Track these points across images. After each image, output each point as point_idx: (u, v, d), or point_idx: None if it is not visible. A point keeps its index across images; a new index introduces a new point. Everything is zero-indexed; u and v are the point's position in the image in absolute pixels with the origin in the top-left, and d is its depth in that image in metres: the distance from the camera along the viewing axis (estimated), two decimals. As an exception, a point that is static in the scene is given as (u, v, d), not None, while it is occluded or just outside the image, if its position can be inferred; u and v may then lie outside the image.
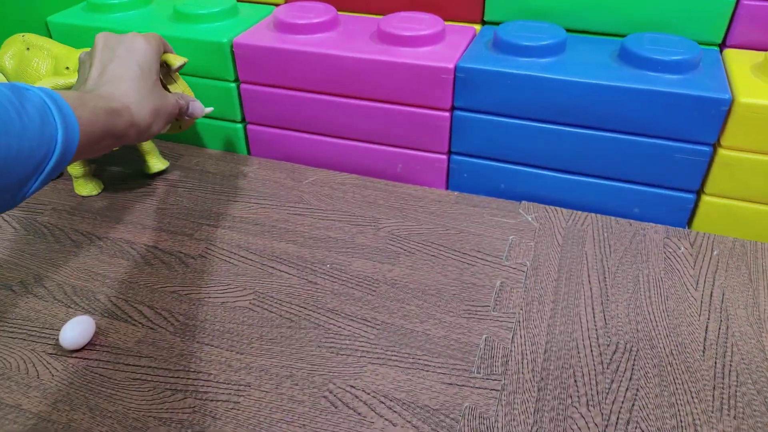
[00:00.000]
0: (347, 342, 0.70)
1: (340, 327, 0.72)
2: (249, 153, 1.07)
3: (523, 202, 0.93)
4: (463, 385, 0.65)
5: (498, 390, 0.64)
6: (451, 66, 0.86)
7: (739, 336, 0.70)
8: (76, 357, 0.68)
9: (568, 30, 0.93)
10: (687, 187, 0.85)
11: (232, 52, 0.96)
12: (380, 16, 0.99)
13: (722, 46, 0.90)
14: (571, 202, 0.91)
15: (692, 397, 0.63)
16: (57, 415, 0.62)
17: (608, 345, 0.69)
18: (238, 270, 0.81)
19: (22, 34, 0.92)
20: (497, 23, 0.97)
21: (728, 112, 0.77)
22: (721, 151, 0.80)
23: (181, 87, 0.83)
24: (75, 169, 0.94)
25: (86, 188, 0.96)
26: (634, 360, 0.67)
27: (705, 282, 0.78)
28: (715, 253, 0.83)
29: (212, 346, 0.70)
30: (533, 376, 0.66)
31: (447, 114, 0.90)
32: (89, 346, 0.70)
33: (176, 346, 0.70)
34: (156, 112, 0.69)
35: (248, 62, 0.96)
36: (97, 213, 0.92)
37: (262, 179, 1.00)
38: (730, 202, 0.84)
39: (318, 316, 0.74)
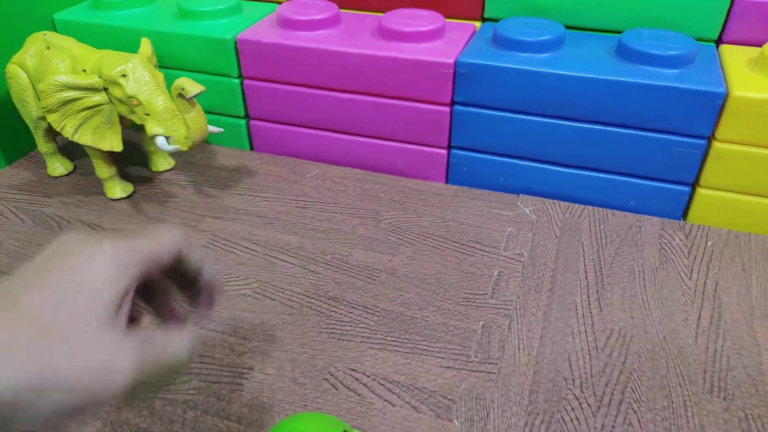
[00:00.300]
0: (348, 328, 0.72)
1: (341, 314, 0.74)
2: (252, 149, 1.09)
3: (522, 195, 0.95)
4: (460, 369, 0.66)
5: (495, 373, 0.66)
6: (451, 61, 0.87)
7: (731, 323, 0.72)
8: (83, 341, 0.70)
9: (566, 26, 0.95)
10: (682, 179, 0.86)
11: (236, 49, 0.98)
12: (381, 13, 1.01)
13: (718, 41, 0.92)
14: (568, 195, 0.93)
15: (684, 380, 0.65)
16: (65, 396, 0.64)
17: (603, 331, 0.71)
18: (241, 260, 0.82)
19: (43, 33, 0.93)
20: (497, 20, 0.99)
21: (723, 106, 0.79)
22: (715, 144, 0.82)
23: (197, 115, 0.84)
24: (102, 171, 0.93)
25: (116, 191, 0.95)
26: (628, 345, 0.69)
27: (699, 272, 0.79)
28: (709, 244, 0.84)
29: (216, 331, 0.71)
30: (529, 360, 0.67)
31: (447, 109, 0.92)
32: (96, 331, 0.71)
33: (181, 332, 0.71)
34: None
35: (251, 58, 0.98)
36: (103, 206, 0.94)
37: (265, 173, 1.02)
38: (724, 194, 0.85)
39: (319, 303, 0.75)
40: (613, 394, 0.63)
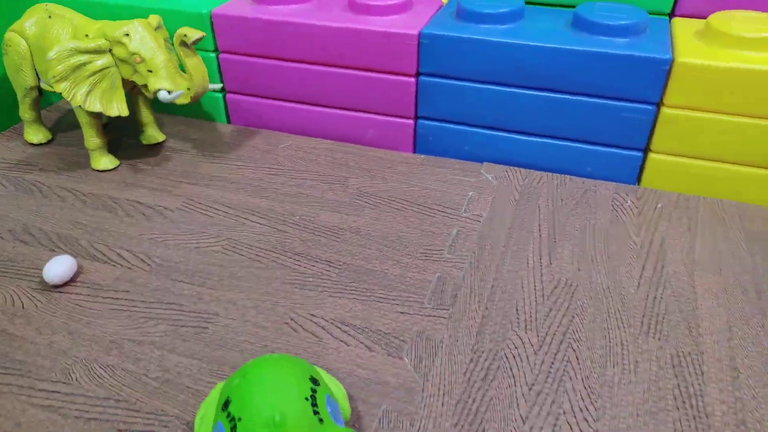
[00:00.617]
0: (311, 279, 0.76)
1: (305, 267, 0.78)
2: (229, 121, 1.13)
3: (485, 163, 0.99)
4: (414, 314, 0.70)
5: (446, 318, 0.70)
6: (415, 33, 0.91)
7: (672, 274, 0.76)
8: (58, 291, 0.74)
9: (526, 1, 0.99)
10: (634, 145, 0.90)
11: (212, 23, 1.02)
12: (352, -10, 1.05)
13: (672, 14, 0.96)
14: (529, 162, 0.97)
15: (622, 323, 0.69)
16: (40, 337, 0.68)
17: (551, 281, 0.75)
18: (213, 221, 0.86)
19: (45, 3, 0.96)
20: (462, -3, 1.03)
21: (669, 72, 0.83)
22: (664, 110, 0.86)
23: (198, 63, 0.88)
24: (91, 141, 0.96)
25: (102, 162, 0.98)
26: (573, 293, 0.73)
27: (647, 230, 0.83)
28: (659, 206, 0.88)
29: (185, 282, 0.75)
30: (479, 307, 0.71)
31: (413, 80, 0.96)
32: (71, 282, 0.75)
33: (151, 283, 0.75)
34: None
35: (227, 33, 1.02)
36: (83, 173, 0.98)
37: (240, 144, 1.06)
38: (675, 159, 0.89)
39: (285, 258, 0.79)
40: (554, 335, 0.68)
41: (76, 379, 0.63)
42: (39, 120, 1.04)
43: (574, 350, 0.66)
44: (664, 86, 0.84)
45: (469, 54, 0.91)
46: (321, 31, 0.96)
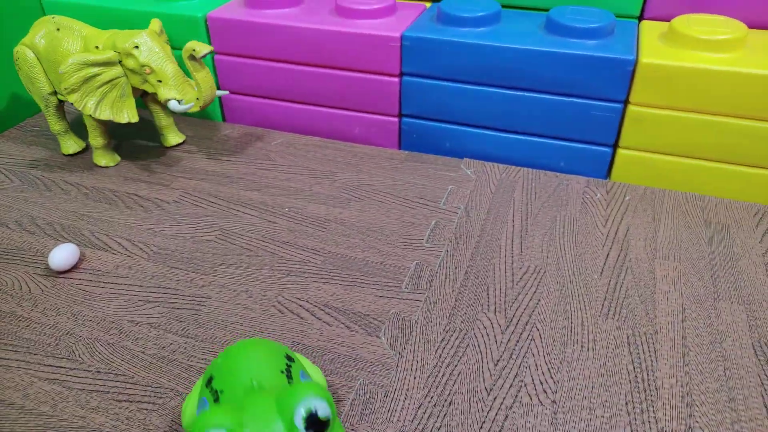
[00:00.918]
0: (297, 266, 0.81)
1: (292, 255, 0.83)
2: (224, 120, 1.19)
3: (466, 158, 1.04)
4: (392, 298, 0.76)
5: (421, 301, 0.75)
6: (398, 35, 0.97)
7: (634, 261, 0.81)
8: (63, 277, 0.80)
9: (502, 5, 1.04)
10: (604, 141, 0.96)
11: (207, 26, 1.07)
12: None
13: (641, 18, 1.01)
14: (507, 158, 1.02)
15: (584, 306, 0.74)
16: (45, 318, 0.73)
17: (520, 268, 0.80)
18: (207, 212, 0.92)
19: (51, 15, 0.99)
20: (445, 1, 1.09)
21: (634, 72, 0.88)
22: (630, 107, 0.91)
23: (206, 75, 0.93)
24: (96, 140, 1.01)
25: (104, 159, 1.03)
26: (540, 279, 0.78)
27: (613, 221, 0.89)
28: (627, 198, 0.94)
29: (180, 269, 0.81)
30: (452, 291, 0.77)
31: (396, 80, 1.02)
32: (74, 268, 0.81)
33: (149, 270, 0.81)
34: None
35: (221, 35, 1.07)
36: (85, 168, 1.03)
37: (234, 141, 1.11)
38: (642, 154, 0.95)
39: (274, 247, 0.85)
40: (521, 317, 0.73)
41: (79, 356, 0.69)
42: (69, 130, 1.06)
43: (538, 330, 0.71)
44: (630, 85, 0.90)
45: (449, 55, 0.96)
46: (310, 34, 1.01)
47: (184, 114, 1.19)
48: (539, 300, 0.75)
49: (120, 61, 0.92)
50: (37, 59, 0.96)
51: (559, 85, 0.93)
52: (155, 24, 0.96)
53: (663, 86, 0.87)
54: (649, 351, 0.69)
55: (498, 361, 0.68)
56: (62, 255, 0.79)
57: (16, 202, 0.94)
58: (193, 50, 0.90)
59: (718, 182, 0.93)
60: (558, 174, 1.00)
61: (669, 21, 0.98)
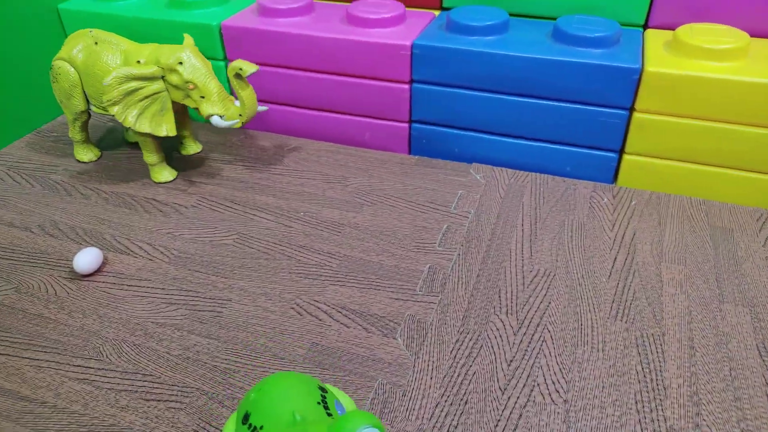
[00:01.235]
0: (314, 269, 0.84)
1: (308, 258, 0.86)
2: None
3: (474, 163, 1.07)
4: (407, 300, 0.78)
5: (435, 303, 0.78)
6: (408, 44, 0.99)
7: (641, 265, 0.84)
8: (87, 280, 0.82)
9: (510, 14, 1.07)
10: (610, 147, 0.98)
11: (221, 34, 1.10)
12: (349, 2, 1.13)
13: (645, 26, 1.04)
14: (514, 163, 1.05)
15: (593, 308, 0.77)
16: (72, 320, 0.76)
17: (531, 271, 0.83)
18: (224, 217, 0.94)
19: (89, 29, 1.00)
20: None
21: (639, 80, 0.91)
22: (636, 115, 0.94)
23: (251, 93, 0.95)
24: (150, 157, 1.01)
25: (162, 175, 1.03)
26: (551, 282, 0.81)
27: (620, 225, 0.91)
28: (633, 203, 0.96)
29: (201, 272, 0.83)
30: (465, 293, 0.79)
31: (407, 86, 1.04)
32: (98, 272, 0.83)
33: (170, 273, 0.83)
34: None
35: (235, 43, 1.10)
36: (103, 173, 1.06)
37: (248, 147, 1.14)
38: (647, 160, 0.97)
39: (291, 250, 0.87)
40: (532, 318, 0.76)
41: (107, 356, 0.71)
42: (88, 140, 1.08)
43: (549, 331, 0.74)
44: (636, 93, 0.92)
45: (458, 63, 0.99)
46: (322, 42, 1.04)
47: (192, 113, 1.22)
48: (549, 302, 0.78)
49: (162, 77, 0.93)
50: (77, 75, 0.98)
51: (566, 92, 0.95)
52: (189, 39, 0.96)
53: (668, 94, 0.90)
54: (657, 352, 0.72)
55: (511, 361, 0.70)
56: (87, 259, 0.81)
57: (38, 207, 0.97)
58: (240, 69, 0.92)
59: (721, 187, 0.95)
60: (565, 179, 1.02)
61: (673, 29, 1.01)
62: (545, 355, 0.71)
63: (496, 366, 0.70)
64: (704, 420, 0.64)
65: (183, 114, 1.07)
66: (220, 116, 0.94)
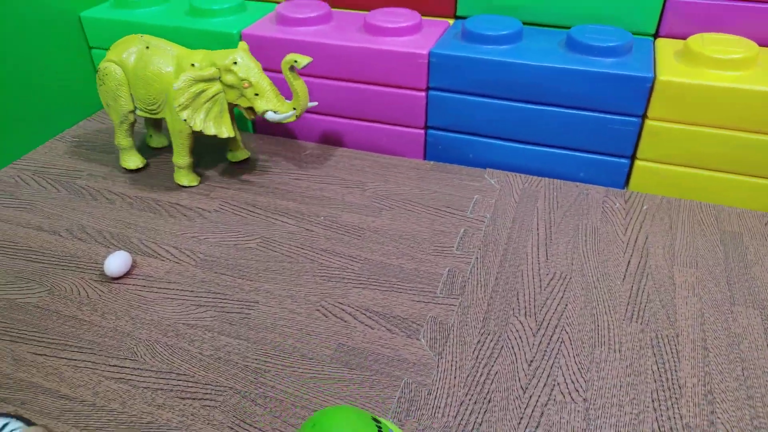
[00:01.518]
0: (337, 272, 0.86)
1: (331, 261, 0.88)
2: (255, 131, 1.24)
3: (488, 169, 1.09)
4: (428, 302, 0.81)
5: (456, 305, 0.80)
6: (425, 52, 1.02)
7: (654, 268, 0.86)
8: (117, 283, 0.85)
9: (524, 23, 1.10)
10: (622, 153, 1.01)
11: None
12: (367, 11, 1.15)
13: (656, 35, 1.07)
14: (528, 168, 1.08)
15: (609, 310, 0.79)
16: (105, 322, 0.78)
17: (547, 274, 0.85)
18: (247, 221, 0.97)
19: (140, 34, 1.02)
20: (468, 17, 1.14)
21: (651, 89, 0.93)
22: (648, 122, 0.96)
23: (303, 85, 0.98)
24: (182, 159, 1.03)
25: (187, 179, 1.05)
26: (567, 284, 0.84)
27: (633, 229, 0.94)
28: (645, 207, 0.99)
29: (227, 275, 0.86)
30: (485, 295, 0.82)
31: (423, 94, 1.07)
32: (127, 275, 0.86)
33: (198, 276, 0.86)
34: None
35: (255, 51, 1.12)
36: (127, 178, 1.08)
37: (267, 152, 1.16)
38: (658, 165, 1.00)
39: (313, 254, 0.90)
40: (550, 320, 0.78)
41: (141, 357, 0.74)
42: (134, 146, 1.09)
43: (567, 333, 0.76)
44: (648, 101, 0.95)
45: (473, 71, 1.01)
46: (340, 51, 1.06)
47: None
48: (566, 304, 0.80)
49: (219, 78, 0.96)
50: (125, 76, 0.99)
51: (579, 100, 0.98)
52: (244, 44, 0.98)
53: (679, 102, 0.93)
54: (672, 352, 0.74)
55: (531, 361, 0.73)
56: (117, 262, 0.84)
57: (65, 211, 0.99)
58: (295, 61, 0.95)
59: (731, 192, 0.98)
60: (578, 184, 1.05)
61: (683, 38, 1.03)
62: (564, 356, 0.74)
63: (517, 366, 0.72)
64: (719, 418, 0.67)
65: (232, 120, 1.08)
66: (275, 111, 0.96)
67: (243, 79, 0.94)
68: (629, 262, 0.88)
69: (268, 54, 1.11)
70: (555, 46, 1.02)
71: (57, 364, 0.73)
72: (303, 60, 0.95)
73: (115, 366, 0.72)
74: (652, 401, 0.68)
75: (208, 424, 0.66)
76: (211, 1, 1.18)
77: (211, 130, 0.97)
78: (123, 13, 1.19)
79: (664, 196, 1.01)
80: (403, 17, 1.08)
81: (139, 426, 0.66)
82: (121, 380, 0.71)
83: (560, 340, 0.76)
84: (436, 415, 0.67)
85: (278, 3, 1.23)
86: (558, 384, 0.70)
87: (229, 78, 0.95)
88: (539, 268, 0.87)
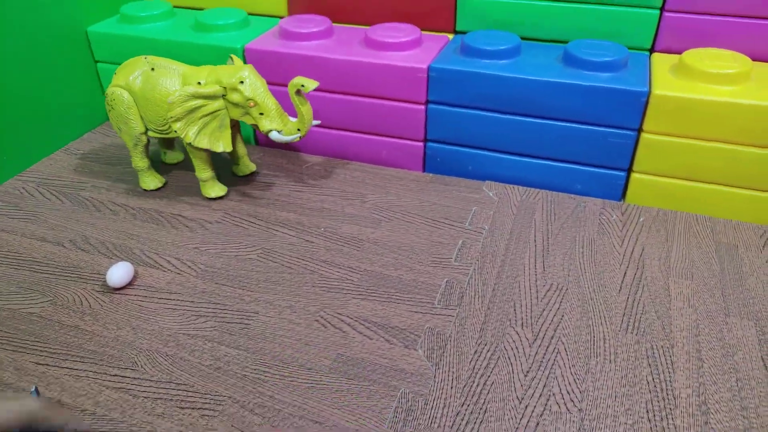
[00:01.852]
0: (336, 283, 0.87)
1: (330, 272, 0.89)
2: (257, 143, 1.25)
3: (487, 181, 1.11)
4: (426, 313, 0.82)
5: (453, 316, 0.81)
6: (425, 66, 1.04)
7: (650, 279, 0.87)
8: (119, 293, 0.86)
9: (522, 38, 1.11)
10: (619, 166, 1.02)
11: (244, 57, 1.14)
12: (368, 27, 1.17)
13: (652, 50, 1.08)
14: (526, 180, 1.09)
15: (605, 321, 0.80)
16: (107, 332, 0.79)
17: (544, 285, 0.86)
18: (248, 232, 0.98)
19: (144, 56, 1.03)
20: (467, 32, 1.15)
21: (647, 103, 0.95)
22: (643, 135, 0.98)
23: (309, 108, 1.00)
24: (203, 173, 1.04)
25: (213, 191, 1.06)
26: (563, 296, 0.84)
27: (629, 241, 0.95)
28: (641, 219, 1.00)
29: (227, 285, 0.87)
30: (482, 306, 0.83)
31: (422, 107, 1.08)
32: (129, 285, 0.87)
33: (199, 286, 0.87)
34: None
35: (258, 65, 1.14)
36: (129, 190, 1.10)
37: (268, 164, 1.18)
38: (654, 178, 1.01)
39: (313, 265, 0.91)
40: (547, 331, 0.79)
41: (142, 366, 0.75)
42: (151, 167, 1.09)
43: (563, 343, 0.77)
44: (643, 115, 0.96)
45: (472, 85, 1.03)
46: (341, 65, 1.08)
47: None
48: (563, 315, 0.81)
49: (223, 95, 0.97)
50: (132, 99, 1.00)
51: (576, 113, 1.00)
52: (238, 61, 1.00)
53: (674, 116, 0.94)
54: (666, 363, 0.75)
55: (527, 372, 0.74)
56: (119, 273, 0.85)
57: (69, 223, 1.01)
58: (302, 86, 0.96)
59: (726, 205, 0.99)
60: (575, 196, 1.06)
61: (678, 53, 1.05)
62: (560, 366, 0.74)
63: (513, 376, 0.73)
64: (713, 428, 0.67)
65: (236, 134, 1.10)
66: (279, 131, 0.98)
67: (249, 99, 0.96)
68: (625, 273, 0.89)
69: (271, 68, 1.13)
70: (552, 60, 1.04)
71: (58, 373, 0.74)
72: (310, 84, 0.96)
73: (116, 375, 0.73)
74: (647, 411, 0.69)
75: (208, 432, 0.67)
76: (216, 16, 1.20)
77: (203, 144, 0.98)
78: (129, 28, 1.21)
79: (660, 209, 1.02)
80: (403, 32, 1.10)
81: (139, 434, 0.67)
82: (122, 390, 0.72)
83: (556, 350, 0.76)
84: (433, 425, 0.68)
85: (281, 18, 1.25)
86: (554, 394, 0.71)
87: (234, 96, 0.96)
88: (536, 279, 0.88)
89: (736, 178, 0.97)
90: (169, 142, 1.16)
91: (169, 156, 1.18)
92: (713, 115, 0.92)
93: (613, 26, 1.06)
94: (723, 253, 0.92)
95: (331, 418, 0.68)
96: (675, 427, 0.67)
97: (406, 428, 0.67)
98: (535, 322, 0.80)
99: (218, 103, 0.97)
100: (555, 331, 0.79)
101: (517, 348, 0.77)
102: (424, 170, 1.16)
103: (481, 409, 0.69)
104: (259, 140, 1.25)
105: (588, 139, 1.01)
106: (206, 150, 1.02)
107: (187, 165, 1.17)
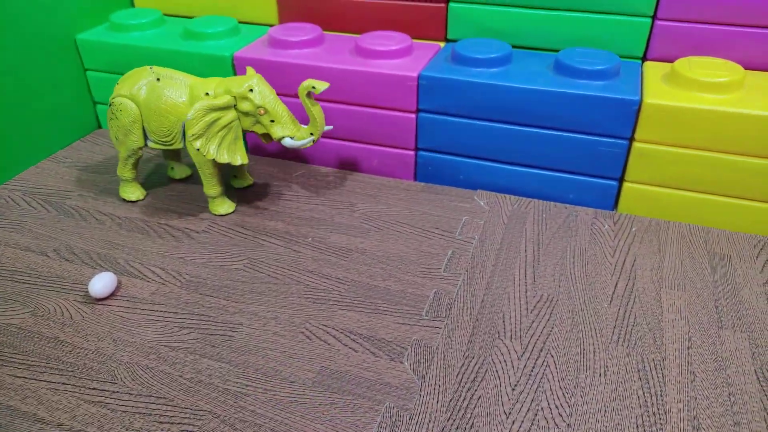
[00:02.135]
0: (322, 294, 0.86)
1: (317, 283, 0.88)
2: (247, 152, 1.24)
3: (479, 190, 1.10)
4: (413, 325, 0.80)
5: (441, 328, 0.80)
6: (415, 75, 1.03)
7: (641, 290, 0.86)
8: (101, 304, 0.84)
9: (513, 46, 1.11)
10: (611, 175, 1.01)
11: (234, 65, 1.13)
12: (358, 35, 1.17)
13: (644, 58, 1.07)
14: (518, 189, 1.08)
15: (596, 333, 0.79)
16: (87, 343, 0.78)
17: (534, 296, 0.85)
18: (234, 242, 0.97)
19: (149, 66, 1.01)
20: (458, 41, 1.15)
21: (638, 111, 0.94)
22: (635, 144, 0.97)
23: (320, 110, 0.98)
24: (212, 189, 1.02)
25: (222, 207, 1.04)
26: (554, 307, 0.83)
27: (621, 252, 0.94)
28: (633, 229, 0.99)
29: (212, 296, 0.85)
30: (470, 318, 0.81)
31: (413, 116, 1.07)
32: (112, 296, 0.86)
33: (183, 297, 0.86)
34: None
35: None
36: (117, 199, 1.09)
37: (257, 173, 1.17)
38: (647, 187, 1.00)
39: (300, 275, 0.89)
40: (536, 343, 0.77)
41: (121, 379, 0.73)
42: (136, 179, 1.08)
43: (552, 356, 0.76)
44: (635, 124, 0.95)
45: (463, 94, 1.02)
46: (332, 73, 1.07)
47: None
48: (552, 327, 0.80)
49: (234, 105, 0.95)
50: (139, 111, 0.97)
51: (567, 122, 0.98)
52: (251, 71, 0.98)
53: (666, 125, 0.93)
54: (658, 377, 0.73)
55: (515, 385, 0.72)
56: (102, 283, 0.84)
57: (54, 232, 0.99)
58: (313, 87, 0.95)
59: (719, 214, 0.97)
60: (567, 206, 1.04)
61: (670, 61, 1.04)
62: (549, 380, 0.73)
63: (501, 390, 0.72)
64: (705, 445, 0.66)
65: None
66: (292, 137, 0.97)
67: (259, 106, 0.94)
68: (617, 284, 0.87)
69: (259, 76, 1.12)
70: (544, 69, 1.03)
71: (36, 386, 0.73)
72: (321, 86, 0.95)
73: (95, 389, 0.72)
74: (637, 427, 0.67)
75: (186, 448, 0.65)
76: (205, 24, 1.19)
77: (224, 158, 0.96)
78: (119, 36, 1.20)
79: (653, 218, 1.01)
80: (394, 40, 1.09)
81: (116, 450, 0.65)
82: (100, 404, 0.70)
83: (545, 363, 0.75)
84: (417, 440, 0.66)
85: (271, 26, 1.24)
86: (542, 409, 0.69)
87: (244, 105, 0.94)
88: (526, 290, 0.86)
89: (729, 187, 0.95)
90: (175, 154, 1.14)
91: (176, 171, 1.14)
92: (706, 124, 0.91)
93: (604, 34, 1.05)
94: (716, 264, 0.91)
95: (313, 433, 0.67)
96: (666, 443, 0.66)
97: (389, 444, 0.66)
98: (524, 334, 0.79)
99: (232, 114, 0.95)
100: (544, 343, 0.77)
101: (505, 361, 0.75)
102: (415, 179, 1.14)
103: (467, 423, 0.68)
104: (248, 149, 1.23)
105: (580, 148, 1.00)
106: (215, 164, 1.00)
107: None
